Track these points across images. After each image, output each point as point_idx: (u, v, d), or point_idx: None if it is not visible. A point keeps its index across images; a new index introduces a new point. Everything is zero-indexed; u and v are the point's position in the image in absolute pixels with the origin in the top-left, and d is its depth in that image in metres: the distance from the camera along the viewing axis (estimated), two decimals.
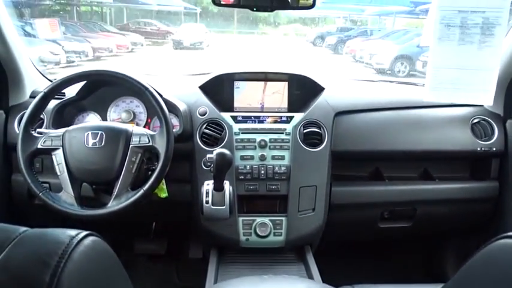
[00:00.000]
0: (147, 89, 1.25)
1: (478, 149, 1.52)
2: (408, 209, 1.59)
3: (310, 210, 1.44)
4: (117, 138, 1.21)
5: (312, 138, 1.46)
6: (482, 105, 1.58)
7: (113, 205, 1.18)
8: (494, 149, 1.52)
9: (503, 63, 1.46)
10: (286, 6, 1.28)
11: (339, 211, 1.52)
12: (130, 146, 1.21)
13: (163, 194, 1.38)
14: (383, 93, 1.70)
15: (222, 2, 1.21)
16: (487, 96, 1.40)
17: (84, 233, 0.52)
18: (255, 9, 1.25)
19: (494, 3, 1.26)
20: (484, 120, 1.56)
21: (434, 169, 1.62)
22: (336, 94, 1.56)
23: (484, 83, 1.38)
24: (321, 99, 1.52)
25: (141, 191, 1.19)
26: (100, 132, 1.21)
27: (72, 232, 0.51)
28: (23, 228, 0.50)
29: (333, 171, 1.49)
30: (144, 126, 1.49)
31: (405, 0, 12.11)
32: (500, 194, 1.57)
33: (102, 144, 1.20)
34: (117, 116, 1.51)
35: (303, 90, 1.56)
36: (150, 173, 1.26)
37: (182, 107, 1.42)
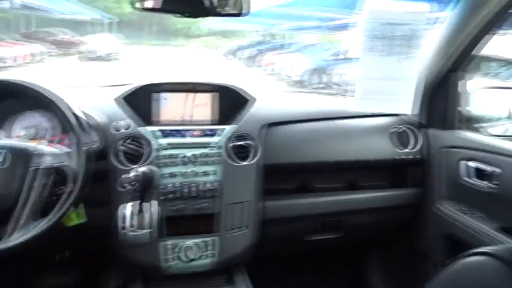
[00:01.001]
0: (58, 101, 1.10)
1: (399, 157, 1.56)
2: (337, 220, 1.59)
3: (243, 228, 1.38)
4: (23, 158, 1.04)
5: (243, 152, 1.40)
6: (405, 114, 1.63)
7: (13, 238, 1.00)
8: (416, 156, 1.58)
9: (425, 73, 1.52)
10: (212, 13, 1.21)
11: (273, 226, 1.48)
12: (38, 166, 1.04)
13: (78, 220, 1.21)
14: (312, 104, 1.70)
15: (144, 6, 1.10)
16: (406, 106, 1.46)
17: None
18: (178, 15, 1.17)
19: (415, 17, 1.31)
20: (407, 128, 1.61)
21: (359, 179, 1.64)
22: (267, 105, 1.52)
23: (404, 92, 1.44)
24: (252, 110, 1.47)
25: (50, 219, 1.02)
26: (3, 151, 1.04)
27: None
28: None
29: (266, 185, 1.44)
30: (56, 143, 1.32)
31: (319, 16, 12.77)
32: (420, 201, 1.63)
33: (5, 165, 1.03)
34: (23, 132, 1.31)
35: (233, 102, 1.49)
36: (59, 197, 1.09)
37: (98, 121, 1.28)
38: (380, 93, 1.42)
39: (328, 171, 1.61)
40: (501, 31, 1.41)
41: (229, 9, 1.16)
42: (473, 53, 1.45)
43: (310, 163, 1.51)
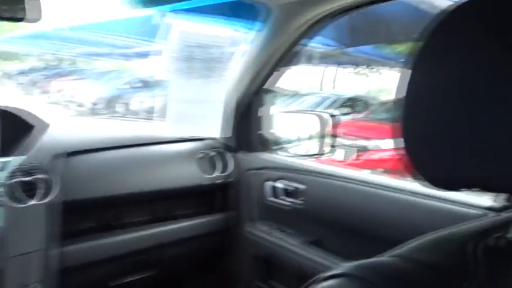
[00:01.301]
0: None
1: (209, 182, 1.54)
2: (149, 257, 1.46)
3: (34, 284, 1.14)
4: None
5: (33, 188, 1.15)
6: (215, 138, 1.62)
7: None
8: (226, 180, 1.58)
9: (234, 96, 1.55)
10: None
11: (75, 274, 1.27)
12: None
13: None
14: (115, 131, 1.55)
15: None
16: (215, 129, 1.46)
17: None
18: None
19: (222, 40, 1.34)
20: (216, 152, 1.60)
21: (170, 209, 1.55)
22: (63, 132, 1.32)
23: (213, 116, 1.44)
24: (45, 138, 1.23)
25: None
26: None
27: None
28: None
29: (64, 226, 1.21)
30: None
31: (112, 43, 12.39)
32: (231, 225, 1.63)
33: None
34: None
35: (19, 129, 1.23)
36: None
37: None
38: (191, 116, 1.40)
39: (136, 203, 1.47)
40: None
41: (10, 13, 0.95)
42: (270, 80, 1.56)
43: (116, 196, 1.36)
